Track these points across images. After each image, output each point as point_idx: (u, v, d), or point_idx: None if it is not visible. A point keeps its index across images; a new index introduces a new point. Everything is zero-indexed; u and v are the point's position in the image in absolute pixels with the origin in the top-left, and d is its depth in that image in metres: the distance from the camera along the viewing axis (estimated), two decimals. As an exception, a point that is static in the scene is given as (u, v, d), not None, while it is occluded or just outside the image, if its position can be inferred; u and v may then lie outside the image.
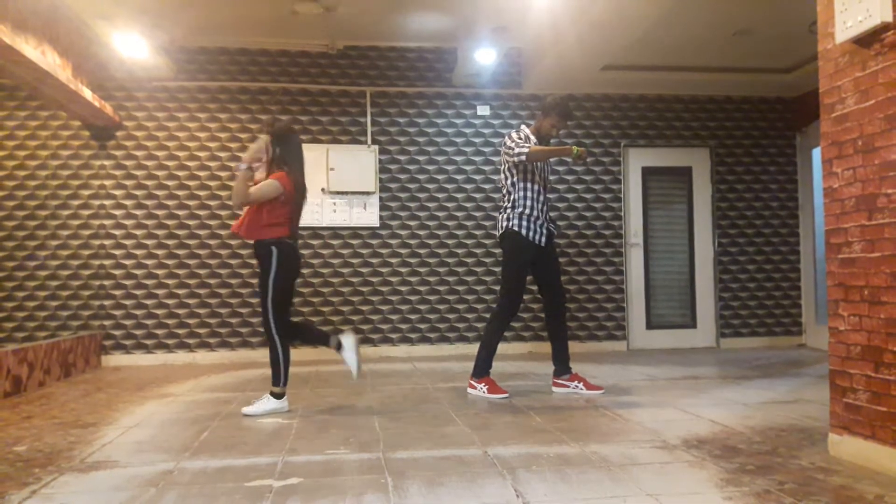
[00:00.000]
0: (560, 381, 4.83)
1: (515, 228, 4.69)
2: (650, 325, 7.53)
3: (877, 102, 2.84)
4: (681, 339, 7.55)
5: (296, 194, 4.24)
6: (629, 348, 7.41)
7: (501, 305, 4.80)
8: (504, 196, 4.80)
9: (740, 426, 3.70)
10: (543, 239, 4.75)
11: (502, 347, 7.04)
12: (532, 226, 4.70)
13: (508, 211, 4.73)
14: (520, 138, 4.71)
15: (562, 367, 4.83)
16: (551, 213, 7.23)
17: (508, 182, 4.75)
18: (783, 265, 7.73)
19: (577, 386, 4.78)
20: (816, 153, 7.24)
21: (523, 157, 4.58)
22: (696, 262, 7.63)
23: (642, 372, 5.78)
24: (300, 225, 4.51)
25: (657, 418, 3.92)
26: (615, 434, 3.56)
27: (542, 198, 4.75)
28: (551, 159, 4.97)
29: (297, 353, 6.85)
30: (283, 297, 4.22)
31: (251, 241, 4.38)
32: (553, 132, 4.80)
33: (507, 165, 4.75)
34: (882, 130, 2.81)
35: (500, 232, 4.79)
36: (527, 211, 4.69)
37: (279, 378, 4.23)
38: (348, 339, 4.33)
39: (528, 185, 4.71)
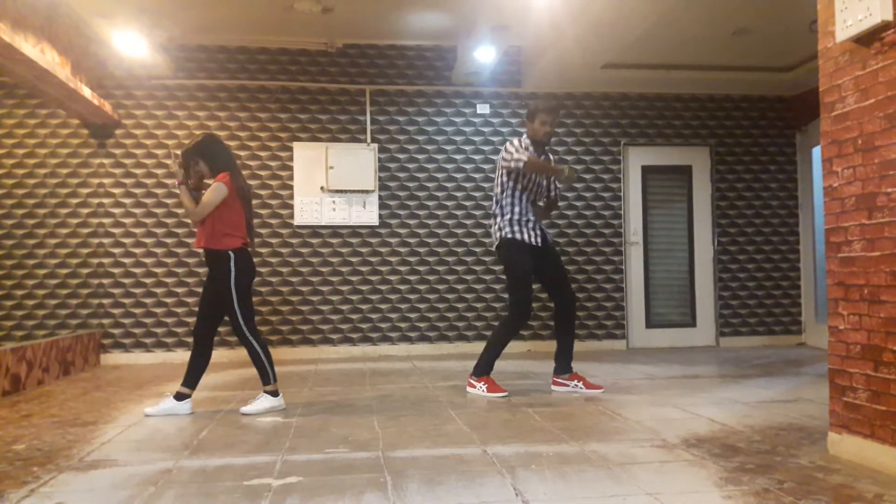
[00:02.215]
0: (559, 380, 4.83)
1: (509, 235, 4.69)
2: (650, 324, 7.53)
3: (877, 101, 2.83)
4: (680, 338, 7.54)
5: (240, 196, 4.25)
6: (629, 347, 7.41)
7: (511, 314, 4.78)
8: (494, 204, 4.81)
9: (740, 425, 3.70)
10: (539, 239, 4.74)
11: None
12: (524, 228, 4.69)
13: (499, 219, 4.75)
14: (520, 145, 4.71)
15: (563, 365, 4.83)
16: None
17: (499, 190, 4.76)
18: (783, 264, 7.73)
19: (576, 385, 4.77)
20: (816, 152, 7.24)
21: (521, 165, 4.57)
22: (695, 261, 7.63)
23: (642, 371, 5.78)
24: (256, 227, 4.63)
25: (656, 417, 3.92)
26: (614, 433, 3.55)
27: (532, 207, 4.76)
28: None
29: (296, 352, 6.88)
30: (247, 299, 4.25)
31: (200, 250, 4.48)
32: (547, 129, 4.76)
33: (501, 171, 4.75)
34: (882, 129, 2.81)
35: (496, 243, 4.81)
36: (516, 216, 4.70)
37: (268, 376, 4.23)
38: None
39: (518, 192, 4.71)
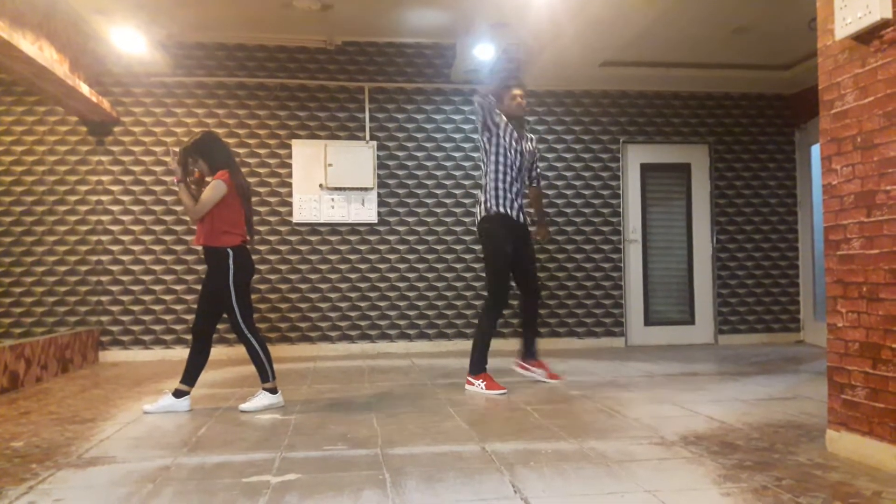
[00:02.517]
0: (524, 364, 5.05)
1: (494, 210, 4.73)
2: (648, 322, 7.53)
3: (876, 99, 2.83)
4: (679, 336, 7.55)
5: (239, 194, 4.24)
6: (627, 345, 7.42)
7: (488, 302, 4.86)
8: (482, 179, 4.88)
9: (738, 422, 3.70)
10: (521, 215, 4.78)
11: (499, 344, 7.04)
12: (504, 202, 4.72)
13: (481, 198, 4.82)
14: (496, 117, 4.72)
15: (529, 352, 5.03)
16: (548, 210, 7.25)
17: (483, 164, 4.82)
18: (781, 262, 7.74)
19: (539, 372, 5.01)
20: (815, 150, 7.24)
21: (484, 98, 4.63)
22: (694, 259, 7.63)
23: (640, 368, 5.79)
24: (255, 224, 4.73)
25: (655, 414, 3.93)
26: (613, 430, 3.56)
27: (514, 188, 4.77)
28: (528, 151, 4.94)
29: (295, 350, 6.88)
30: (245, 297, 4.25)
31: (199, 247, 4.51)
32: (518, 100, 4.80)
33: (482, 147, 4.79)
34: (881, 127, 2.81)
35: (478, 221, 4.87)
36: (498, 194, 4.73)
37: (266, 374, 4.24)
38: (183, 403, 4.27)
39: (498, 169, 4.72)
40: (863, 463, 2.87)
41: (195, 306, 4.53)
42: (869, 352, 2.87)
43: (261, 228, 6.91)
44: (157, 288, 6.82)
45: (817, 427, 3.51)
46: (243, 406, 4.19)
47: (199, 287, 6.78)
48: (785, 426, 3.61)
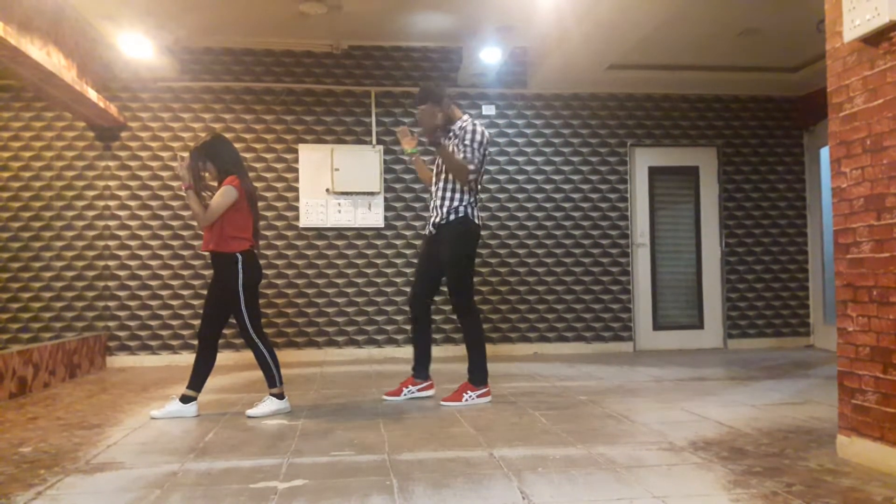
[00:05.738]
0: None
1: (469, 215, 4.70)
2: (657, 326, 7.50)
3: (885, 101, 2.82)
4: (688, 340, 7.51)
5: (247, 199, 4.24)
6: (636, 349, 7.38)
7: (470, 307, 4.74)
8: (449, 187, 4.82)
9: (747, 428, 3.68)
10: (430, 227, 4.77)
11: (506, 349, 7.04)
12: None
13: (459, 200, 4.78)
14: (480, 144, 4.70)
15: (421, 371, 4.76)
16: (556, 215, 7.23)
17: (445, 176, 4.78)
18: (791, 265, 7.69)
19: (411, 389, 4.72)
20: (824, 152, 7.21)
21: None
22: (703, 263, 7.59)
23: (649, 373, 5.76)
24: (261, 229, 4.72)
25: (664, 420, 3.90)
26: (621, 436, 3.54)
27: (437, 190, 4.85)
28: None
29: (302, 355, 6.88)
30: (253, 301, 4.25)
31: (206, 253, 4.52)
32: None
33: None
34: (891, 129, 2.79)
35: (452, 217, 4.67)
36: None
37: (274, 379, 4.23)
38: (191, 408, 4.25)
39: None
40: (874, 468, 2.84)
41: (202, 311, 4.53)
42: (880, 356, 2.85)
43: (267, 233, 6.91)
44: (164, 293, 6.83)
45: (828, 432, 3.48)
46: (250, 411, 4.19)
47: (206, 292, 6.80)
48: (795, 431, 3.59)
